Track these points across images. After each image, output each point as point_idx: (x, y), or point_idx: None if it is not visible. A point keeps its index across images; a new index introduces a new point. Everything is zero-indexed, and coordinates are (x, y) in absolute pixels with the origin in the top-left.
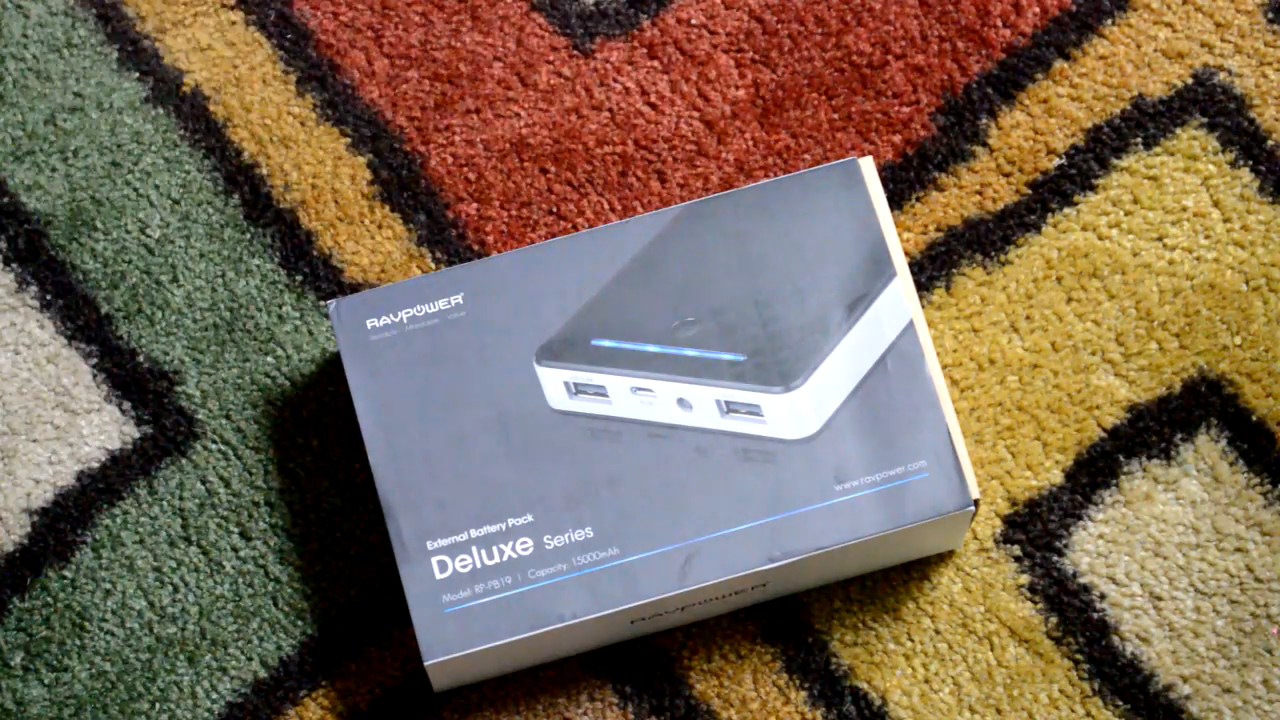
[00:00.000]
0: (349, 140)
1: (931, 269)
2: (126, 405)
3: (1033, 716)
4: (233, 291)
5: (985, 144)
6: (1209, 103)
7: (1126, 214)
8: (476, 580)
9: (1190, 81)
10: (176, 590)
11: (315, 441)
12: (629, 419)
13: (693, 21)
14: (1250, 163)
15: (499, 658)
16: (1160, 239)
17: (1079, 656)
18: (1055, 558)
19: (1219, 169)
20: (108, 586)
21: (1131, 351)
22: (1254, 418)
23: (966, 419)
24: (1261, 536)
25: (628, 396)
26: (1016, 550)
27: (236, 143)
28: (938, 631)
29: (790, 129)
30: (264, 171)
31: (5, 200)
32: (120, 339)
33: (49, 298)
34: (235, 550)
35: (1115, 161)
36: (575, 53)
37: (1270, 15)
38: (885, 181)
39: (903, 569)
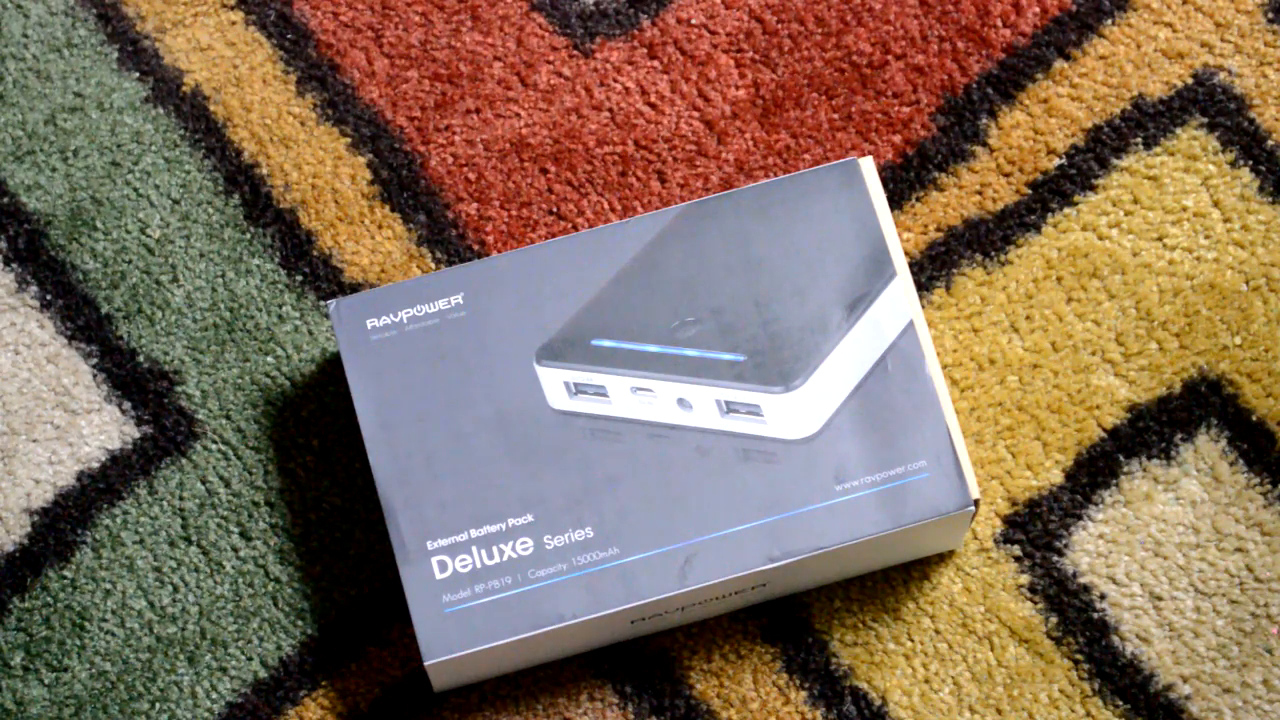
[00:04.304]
0: (349, 140)
1: (931, 269)
2: (126, 405)
3: (1033, 716)
4: (233, 291)
5: (985, 144)
6: (1209, 103)
7: (1126, 214)
8: (476, 580)
9: (1190, 81)
10: (176, 590)
11: (315, 441)
12: (629, 419)
13: (693, 21)
14: (1250, 163)
15: (499, 658)
16: (1160, 239)
17: (1079, 656)
18: (1055, 558)
19: (1219, 169)
20: (108, 586)
21: (1131, 351)
22: (1254, 418)
23: (966, 419)
24: (1261, 536)
25: (628, 396)
26: (1016, 550)
27: (236, 143)
28: (938, 631)
29: (790, 129)
30: (264, 171)
31: (5, 200)
32: (120, 339)
33: (49, 298)
34: (235, 550)
35: (1115, 161)
36: (575, 53)
37: (1270, 15)
38: (885, 181)
39: (903, 569)
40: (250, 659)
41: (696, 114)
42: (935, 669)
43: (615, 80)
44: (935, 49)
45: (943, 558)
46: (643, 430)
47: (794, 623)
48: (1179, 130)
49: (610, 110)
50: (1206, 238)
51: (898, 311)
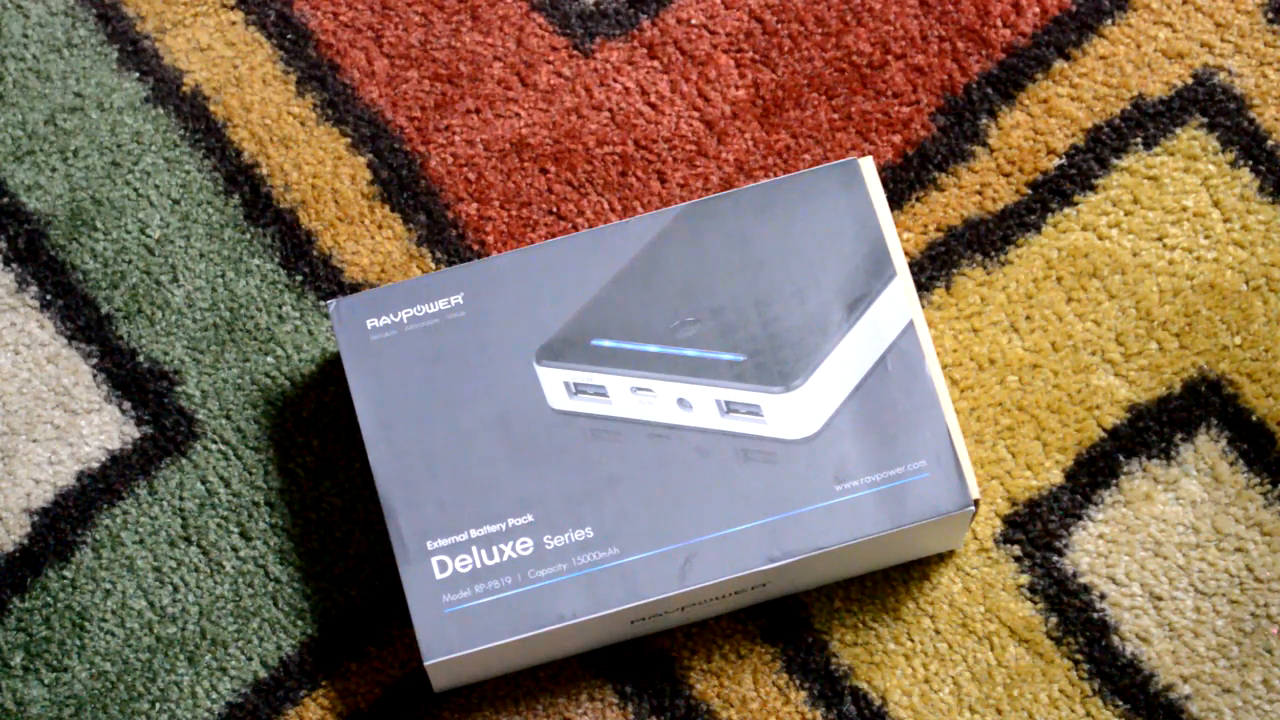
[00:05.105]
0: (349, 140)
1: (931, 269)
2: (126, 405)
3: (1033, 716)
4: (233, 291)
5: (985, 144)
6: (1209, 103)
7: (1126, 214)
8: (476, 580)
9: (1190, 81)
10: (176, 590)
11: (315, 441)
12: (629, 419)
13: (693, 21)
14: (1250, 163)
15: (499, 658)
16: (1160, 239)
17: (1079, 656)
18: (1055, 558)
19: (1219, 169)
20: (108, 586)
21: (1131, 351)
22: (1254, 418)
23: (966, 419)
24: (1261, 536)
25: (628, 396)
26: (1016, 550)
27: (236, 143)
28: (938, 631)
29: (790, 129)
30: (264, 171)
31: (5, 200)
32: (120, 339)
33: (49, 298)
34: (235, 550)
35: (1115, 161)
36: (575, 53)
37: (1270, 15)
38: (885, 181)
39: (903, 569)
40: (250, 659)
41: (696, 114)
42: (935, 669)
43: (615, 80)
44: (935, 49)
45: (943, 558)
46: (643, 430)
47: (794, 623)
48: (1179, 130)
49: (610, 110)
50: (1206, 238)
51: (898, 311)
